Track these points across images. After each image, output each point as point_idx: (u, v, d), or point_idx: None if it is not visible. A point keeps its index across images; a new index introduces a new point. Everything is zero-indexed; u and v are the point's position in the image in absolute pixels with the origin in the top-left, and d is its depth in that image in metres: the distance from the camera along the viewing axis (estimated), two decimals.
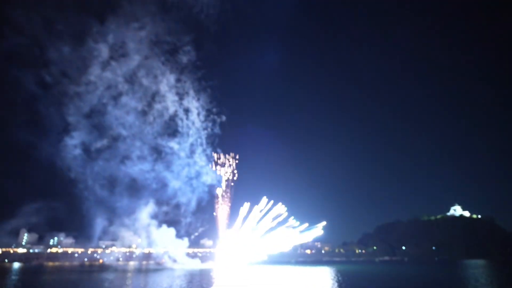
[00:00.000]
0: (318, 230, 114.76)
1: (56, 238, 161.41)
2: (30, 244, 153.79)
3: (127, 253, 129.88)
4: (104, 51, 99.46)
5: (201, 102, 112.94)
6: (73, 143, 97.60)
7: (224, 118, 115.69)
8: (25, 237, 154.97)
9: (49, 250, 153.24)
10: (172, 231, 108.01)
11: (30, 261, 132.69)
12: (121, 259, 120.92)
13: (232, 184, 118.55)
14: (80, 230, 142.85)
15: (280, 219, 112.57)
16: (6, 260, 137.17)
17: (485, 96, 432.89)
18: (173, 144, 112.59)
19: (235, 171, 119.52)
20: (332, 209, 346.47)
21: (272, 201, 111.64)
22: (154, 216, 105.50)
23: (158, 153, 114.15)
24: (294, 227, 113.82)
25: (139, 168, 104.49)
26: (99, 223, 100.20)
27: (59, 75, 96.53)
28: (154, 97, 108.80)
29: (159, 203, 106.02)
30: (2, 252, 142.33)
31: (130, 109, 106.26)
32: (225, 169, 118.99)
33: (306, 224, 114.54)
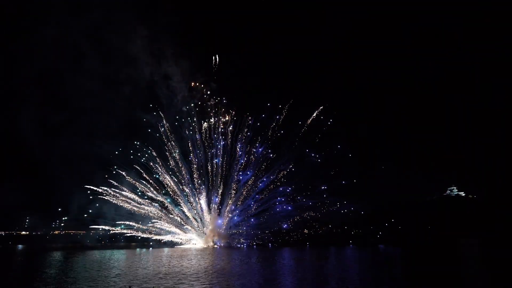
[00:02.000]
0: None
1: (58, 221, 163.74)
2: (32, 226, 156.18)
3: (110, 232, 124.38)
4: (56, 2, 79.77)
5: (186, 69, 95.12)
6: (26, 117, 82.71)
7: (214, 86, 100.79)
8: (27, 220, 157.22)
9: (51, 232, 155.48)
10: (155, 208, 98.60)
11: (33, 243, 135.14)
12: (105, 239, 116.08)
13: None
14: (59, 210, 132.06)
15: None
16: (10, 242, 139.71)
17: (481, 77, 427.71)
18: (152, 117, 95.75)
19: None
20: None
21: None
22: (133, 190, 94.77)
23: (132, 129, 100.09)
24: None
25: (108, 148, 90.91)
26: (78, 201, 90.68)
27: None
28: (124, 59, 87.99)
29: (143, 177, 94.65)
30: (5, 234, 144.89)
31: (94, 75, 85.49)
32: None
33: None
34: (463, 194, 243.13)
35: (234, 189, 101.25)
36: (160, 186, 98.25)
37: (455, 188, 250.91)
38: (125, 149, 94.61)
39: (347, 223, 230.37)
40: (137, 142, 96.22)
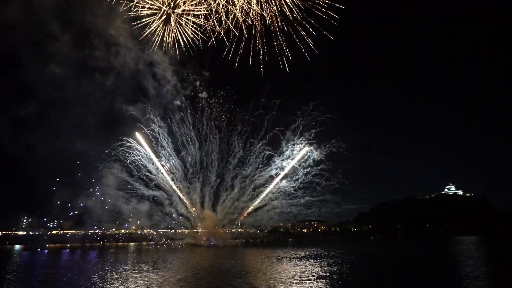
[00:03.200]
0: None
1: (55, 221, 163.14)
2: (30, 227, 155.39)
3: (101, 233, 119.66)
4: None
5: (175, 55, 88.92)
6: None
7: (207, 74, 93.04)
8: (24, 220, 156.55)
9: (49, 232, 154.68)
10: (145, 206, 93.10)
11: (30, 243, 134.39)
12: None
13: None
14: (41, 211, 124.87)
15: None
16: (7, 243, 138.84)
17: (479, 77, 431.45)
18: (135, 110, 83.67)
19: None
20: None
21: None
22: (120, 187, 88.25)
23: (111, 125, 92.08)
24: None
25: (88, 144, 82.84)
26: (61, 201, 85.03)
27: None
28: (100, 43, 70.79)
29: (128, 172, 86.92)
30: (3, 234, 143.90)
31: (64, 61, 71.15)
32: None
33: None
34: (461, 193, 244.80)
35: (230, 185, 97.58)
36: (150, 183, 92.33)
37: (452, 186, 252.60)
38: (108, 144, 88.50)
39: (346, 222, 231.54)
40: (123, 137, 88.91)
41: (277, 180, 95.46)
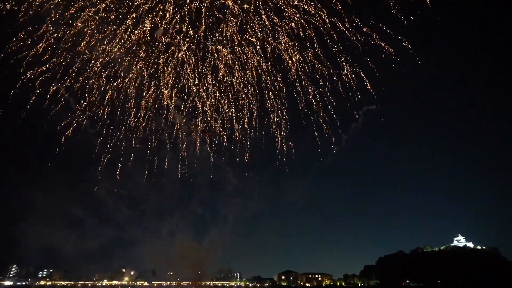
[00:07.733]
0: None
1: (45, 271, 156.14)
2: (18, 276, 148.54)
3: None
4: None
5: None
6: None
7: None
8: (13, 269, 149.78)
9: (37, 283, 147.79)
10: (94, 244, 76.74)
11: None
12: None
13: None
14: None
15: None
16: None
17: (489, 122, 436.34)
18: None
19: None
20: (332, 239, 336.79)
21: None
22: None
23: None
24: None
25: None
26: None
27: None
28: None
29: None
30: None
31: None
32: None
33: None
34: (472, 245, 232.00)
35: (223, 215, 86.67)
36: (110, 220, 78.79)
37: (462, 237, 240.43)
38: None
39: (351, 275, 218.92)
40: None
41: None
